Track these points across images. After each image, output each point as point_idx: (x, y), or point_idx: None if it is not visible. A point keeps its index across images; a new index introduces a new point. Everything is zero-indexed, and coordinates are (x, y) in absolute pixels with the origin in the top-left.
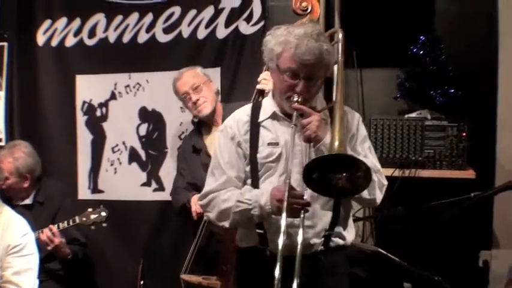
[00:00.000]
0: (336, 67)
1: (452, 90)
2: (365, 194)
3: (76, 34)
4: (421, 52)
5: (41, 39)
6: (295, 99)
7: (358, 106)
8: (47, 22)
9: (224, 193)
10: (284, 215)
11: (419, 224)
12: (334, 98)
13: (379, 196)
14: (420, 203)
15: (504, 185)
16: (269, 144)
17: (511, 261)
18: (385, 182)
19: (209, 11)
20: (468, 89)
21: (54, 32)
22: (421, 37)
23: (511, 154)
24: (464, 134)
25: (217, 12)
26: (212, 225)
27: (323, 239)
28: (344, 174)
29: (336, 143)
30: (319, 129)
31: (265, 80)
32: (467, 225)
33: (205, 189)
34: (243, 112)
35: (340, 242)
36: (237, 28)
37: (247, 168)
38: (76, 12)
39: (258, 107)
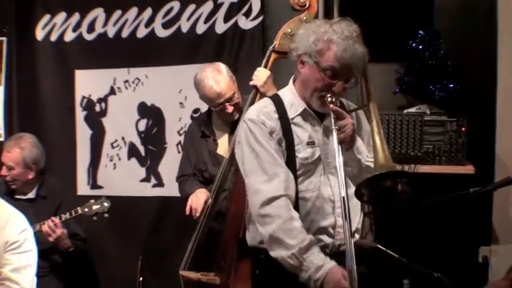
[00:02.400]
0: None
1: (452, 85)
2: None
3: (75, 29)
4: (420, 47)
5: (40, 34)
6: (330, 99)
7: (357, 101)
8: (46, 17)
9: (287, 221)
10: None
11: (418, 219)
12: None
13: None
14: (419, 199)
15: (503, 181)
16: (308, 143)
17: (511, 257)
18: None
19: (208, 5)
20: (467, 84)
21: (53, 26)
22: (420, 32)
23: (511, 149)
24: (463, 129)
25: (216, 7)
26: (212, 221)
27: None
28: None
29: (384, 158)
30: (353, 132)
31: (256, 76)
32: (466, 221)
33: (266, 190)
34: (268, 108)
35: (357, 236)
36: (236, 23)
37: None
38: (75, 7)
39: (280, 103)
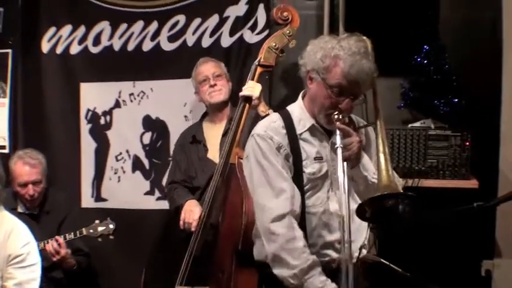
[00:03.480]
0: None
1: (456, 100)
2: None
3: (81, 42)
4: (425, 61)
5: (45, 46)
6: (337, 116)
7: (362, 115)
8: (52, 29)
9: (290, 240)
10: None
11: (421, 233)
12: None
13: None
14: (423, 213)
15: (507, 195)
16: (315, 158)
17: None
18: (401, 181)
19: (214, 19)
20: (472, 99)
21: (59, 39)
22: (425, 46)
23: None
24: (467, 143)
25: (222, 21)
26: (207, 233)
27: (359, 252)
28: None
29: (387, 179)
30: (359, 151)
31: (250, 88)
32: (469, 235)
33: (273, 206)
34: (276, 123)
35: (364, 252)
36: (241, 37)
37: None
38: (81, 19)
39: (289, 118)
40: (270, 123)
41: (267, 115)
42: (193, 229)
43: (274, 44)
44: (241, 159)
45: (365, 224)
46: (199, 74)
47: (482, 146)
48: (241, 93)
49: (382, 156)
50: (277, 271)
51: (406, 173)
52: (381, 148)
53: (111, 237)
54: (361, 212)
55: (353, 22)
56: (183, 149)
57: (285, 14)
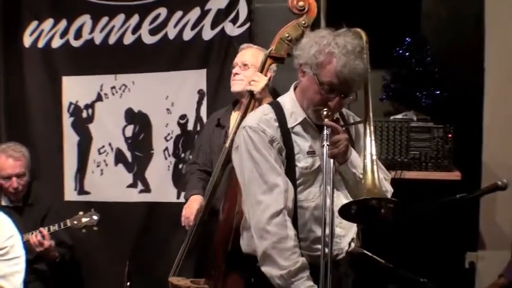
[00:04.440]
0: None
1: (438, 92)
2: None
3: (62, 35)
4: (407, 53)
5: (27, 40)
6: (326, 113)
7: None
8: (34, 23)
9: (282, 240)
10: None
11: (405, 225)
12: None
13: (389, 189)
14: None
15: (490, 187)
16: (308, 153)
17: (497, 263)
18: (389, 175)
19: (195, 12)
20: (454, 91)
21: (41, 33)
22: (407, 39)
23: (497, 155)
24: (450, 135)
25: (204, 14)
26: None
27: (348, 247)
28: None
29: (372, 183)
30: (347, 149)
31: (254, 82)
32: (453, 227)
33: (267, 201)
34: (268, 116)
35: (353, 245)
36: (223, 29)
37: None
38: (62, 13)
39: (281, 110)
40: (262, 116)
41: None
42: (190, 224)
43: (287, 35)
44: None
45: None
46: (234, 61)
47: (465, 138)
48: (247, 88)
49: (368, 157)
50: (266, 269)
51: (389, 164)
52: (368, 148)
53: (95, 228)
54: (344, 212)
55: (334, 14)
56: (208, 131)
57: (301, 3)
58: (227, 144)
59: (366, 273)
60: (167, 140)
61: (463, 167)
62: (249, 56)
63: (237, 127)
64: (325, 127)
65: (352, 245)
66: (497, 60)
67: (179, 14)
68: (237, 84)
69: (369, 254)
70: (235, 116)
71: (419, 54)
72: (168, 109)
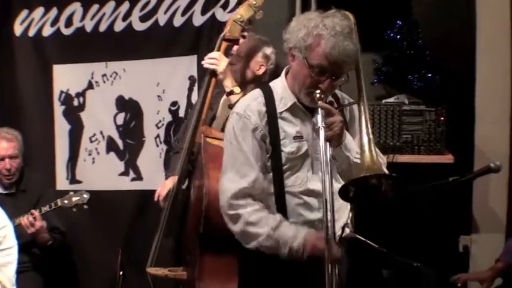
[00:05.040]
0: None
1: (430, 75)
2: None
3: (53, 24)
4: (398, 36)
5: (18, 29)
6: (318, 96)
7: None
8: (24, 12)
9: (252, 213)
10: None
11: (397, 209)
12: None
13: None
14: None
15: (482, 170)
16: (295, 138)
17: (491, 246)
18: (385, 159)
19: None
20: (446, 74)
21: (32, 22)
22: (398, 22)
23: (490, 138)
24: (442, 118)
25: (194, 0)
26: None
27: (341, 231)
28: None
29: (370, 160)
30: (341, 130)
31: (214, 60)
32: (446, 211)
33: (232, 188)
34: (257, 101)
35: (347, 230)
36: (213, 15)
37: (269, 163)
38: (53, 1)
39: (271, 95)
40: (251, 101)
41: (231, 91)
42: (160, 199)
43: (239, 17)
44: (207, 137)
45: (347, 203)
46: None
47: (457, 121)
48: (203, 64)
49: (365, 137)
50: (250, 245)
51: (381, 148)
52: (364, 128)
53: (85, 206)
54: (344, 193)
55: None
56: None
57: None
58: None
59: (359, 259)
60: (158, 127)
61: (456, 150)
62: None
63: (198, 113)
64: (319, 109)
65: (347, 230)
66: (489, 43)
67: (169, 0)
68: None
69: (362, 239)
70: (225, 99)
71: (411, 37)
72: (159, 96)
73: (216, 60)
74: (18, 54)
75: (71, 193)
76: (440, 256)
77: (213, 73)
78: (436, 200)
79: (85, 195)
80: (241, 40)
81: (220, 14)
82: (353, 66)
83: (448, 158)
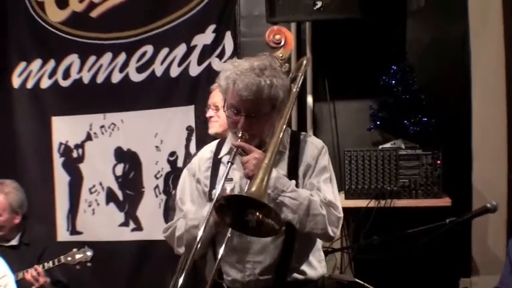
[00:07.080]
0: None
1: (426, 119)
2: (314, 229)
3: (51, 75)
4: (393, 81)
5: (16, 81)
6: (240, 135)
7: (332, 138)
8: (22, 64)
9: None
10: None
11: (396, 252)
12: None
13: (332, 230)
14: (396, 232)
15: (479, 210)
16: (226, 180)
17: None
18: (340, 215)
19: (181, 48)
20: (442, 117)
21: (30, 74)
22: (393, 67)
23: (487, 180)
24: (438, 161)
25: (190, 50)
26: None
27: (274, 274)
28: (255, 216)
29: (254, 186)
30: (256, 167)
31: None
32: (446, 253)
33: (169, 223)
34: (208, 148)
35: (299, 277)
36: (209, 65)
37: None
38: (50, 53)
39: (223, 143)
40: (204, 149)
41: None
42: None
43: None
44: None
45: (279, 244)
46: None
47: (454, 164)
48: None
49: (262, 169)
50: (182, 248)
51: (378, 193)
52: (266, 161)
53: (88, 264)
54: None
55: (320, 45)
56: None
57: (277, 36)
58: None
59: None
60: (157, 178)
61: (453, 193)
62: (218, 98)
63: None
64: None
65: (294, 275)
66: (484, 85)
67: (165, 50)
68: (214, 127)
69: (361, 282)
70: None
71: (406, 81)
72: (157, 146)
73: None
74: (16, 106)
75: (74, 250)
76: None
77: None
78: (435, 242)
79: (88, 253)
80: None
81: (216, 64)
82: (270, 103)
83: (445, 201)
